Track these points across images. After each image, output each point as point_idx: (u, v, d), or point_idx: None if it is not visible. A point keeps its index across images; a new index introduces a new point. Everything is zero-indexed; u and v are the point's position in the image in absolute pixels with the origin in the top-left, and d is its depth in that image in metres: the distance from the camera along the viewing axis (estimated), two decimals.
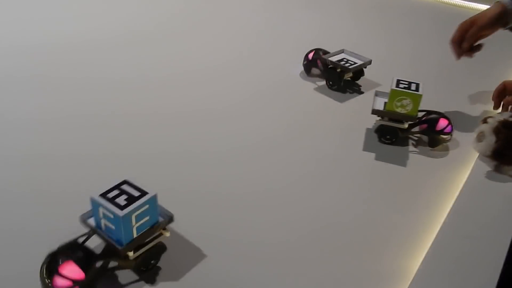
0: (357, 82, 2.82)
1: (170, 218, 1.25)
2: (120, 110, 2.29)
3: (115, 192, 1.17)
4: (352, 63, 2.74)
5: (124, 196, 1.18)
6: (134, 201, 1.17)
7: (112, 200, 1.16)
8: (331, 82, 2.80)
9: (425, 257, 1.35)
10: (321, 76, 2.81)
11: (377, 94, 2.29)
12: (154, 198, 1.22)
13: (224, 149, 2.11)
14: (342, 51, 2.87)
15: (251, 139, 2.17)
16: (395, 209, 1.81)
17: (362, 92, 2.63)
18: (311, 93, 2.57)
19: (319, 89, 2.60)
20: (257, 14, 3.09)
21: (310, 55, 2.82)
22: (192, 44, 2.72)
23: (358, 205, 1.84)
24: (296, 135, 2.22)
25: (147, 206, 1.17)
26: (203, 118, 2.27)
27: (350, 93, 2.67)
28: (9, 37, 2.73)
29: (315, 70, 2.78)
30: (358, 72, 2.86)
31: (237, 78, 2.51)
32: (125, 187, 1.22)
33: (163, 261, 1.22)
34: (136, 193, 1.16)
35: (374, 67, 2.76)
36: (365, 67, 2.78)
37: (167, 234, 1.24)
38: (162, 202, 1.19)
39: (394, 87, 2.26)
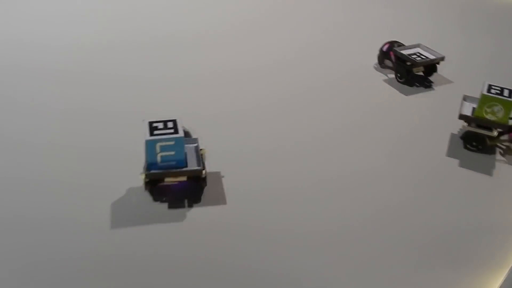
0: (429, 78, 2.75)
1: (202, 167, 1.61)
2: (201, 105, 2.27)
3: (161, 125, 1.44)
4: (424, 57, 2.67)
5: (163, 130, 1.42)
6: (164, 135, 1.40)
7: (152, 129, 1.45)
8: (399, 75, 2.74)
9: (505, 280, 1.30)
10: (393, 68, 2.74)
11: (465, 98, 2.24)
12: (181, 139, 1.45)
13: (297, 141, 2.10)
14: (417, 46, 2.80)
15: (323, 129, 2.15)
16: (481, 225, 1.74)
17: (432, 89, 2.57)
18: (380, 84, 2.52)
19: (388, 81, 2.55)
20: (338, 6, 3.04)
21: (385, 47, 2.75)
22: (272, 36, 2.77)
23: (440, 212, 1.79)
24: (364, 126, 2.19)
25: (172, 142, 1.39)
26: (283, 108, 2.26)
27: (417, 86, 2.61)
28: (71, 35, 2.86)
29: (388, 62, 2.71)
30: (430, 68, 2.81)
31: (314, 67, 2.56)
32: (170, 124, 1.45)
33: None
34: (171, 130, 1.41)
35: (449, 64, 2.67)
36: (438, 63, 2.72)
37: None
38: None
39: (485, 92, 2.20)
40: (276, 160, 2.21)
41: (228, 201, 1.78)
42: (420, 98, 2.74)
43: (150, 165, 1.64)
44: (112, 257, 1.47)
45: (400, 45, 3.00)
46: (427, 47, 2.84)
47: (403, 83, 2.88)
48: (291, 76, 2.74)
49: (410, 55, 2.88)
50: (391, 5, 3.43)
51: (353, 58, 2.96)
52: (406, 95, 2.67)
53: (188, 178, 1.75)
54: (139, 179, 1.70)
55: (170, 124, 1.54)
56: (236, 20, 3.10)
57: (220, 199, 1.77)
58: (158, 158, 1.56)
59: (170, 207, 1.72)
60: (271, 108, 2.55)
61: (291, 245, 1.59)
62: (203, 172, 1.75)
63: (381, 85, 2.77)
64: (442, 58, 2.90)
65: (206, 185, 1.82)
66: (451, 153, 2.27)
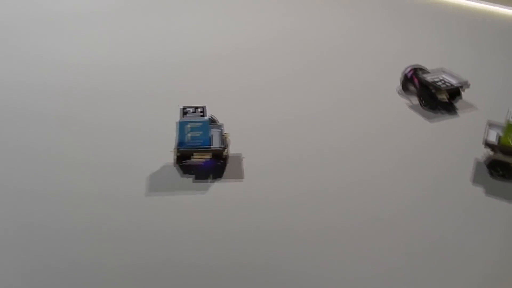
0: (453, 103, 2.74)
1: (224, 147, 2.00)
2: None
3: (192, 109, 1.85)
4: (448, 83, 2.67)
5: (193, 114, 1.86)
6: (194, 118, 1.83)
7: (184, 113, 1.89)
8: (423, 101, 2.74)
9: None
10: (416, 93, 2.74)
11: (490, 125, 2.22)
12: (206, 122, 1.84)
13: (316, 151, 2.12)
14: (441, 70, 2.80)
15: (341, 148, 2.15)
16: (507, 255, 1.71)
17: (457, 114, 2.56)
18: (404, 109, 2.51)
19: (412, 106, 2.54)
20: (362, 31, 3.08)
21: (408, 72, 2.75)
22: (294, 57, 2.79)
23: (468, 240, 1.75)
24: (386, 150, 2.18)
25: (200, 123, 1.78)
26: (300, 124, 2.29)
27: (441, 112, 2.60)
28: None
29: (412, 88, 2.71)
30: (455, 93, 2.79)
31: (336, 89, 2.51)
32: (199, 109, 1.86)
33: None
34: (200, 114, 1.84)
35: (474, 89, 2.64)
36: (462, 89, 2.71)
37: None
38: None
39: (510, 119, 2.18)
40: (296, 166, 2.25)
41: (245, 177, 1.95)
42: (445, 124, 2.72)
43: (180, 143, 1.90)
44: (147, 221, 1.68)
45: (424, 70, 2.99)
46: (451, 72, 2.81)
47: (427, 108, 2.86)
48: (310, 94, 2.76)
49: (433, 80, 2.87)
50: (410, 28, 3.44)
51: (375, 82, 2.95)
52: (430, 120, 2.65)
53: (212, 156, 1.96)
54: (170, 158, 1.94)
55: (199, 110, 1.80)
56: (251, 43, 3.12)
57: (238, 175, 1.97)
58: (188, 137, 1.84)
59: (195, 181, 1.93)
60: (294, 121, 2.56)
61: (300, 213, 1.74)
62: (225, 151, 1.98)
63: (405, 110, 2.75)
64: (467, 84, 2.88)
65: (227, 163, 2.03)
66: (476, 180, 2.23)
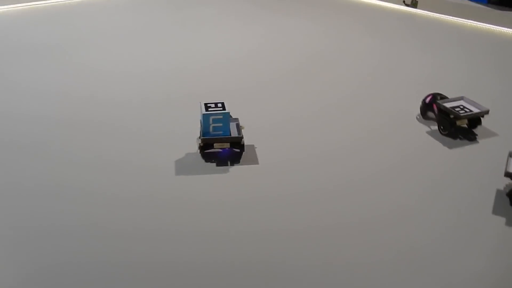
0: (473, 130, 2.72)
1: (241, 137, 2.14)
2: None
3: (213, 105, 1.99)
4: (468, 110, 2.66)
5: (214, 109, 2.00)
6: (216, 111, 1.94)
7: (206, 107, 2.01)
8: (442, 127, 2.73)
9: None
10: (435, 120, 2.74)
11: (511, 155, 2.20)
12: (227, 114, 1.97)
13: (337, 181, 2.13)
14: (461, 98, 2.80)
15: (362, 175, 2.15)
16: None
17: (477, 142, 2.54)
18: (423, 136, 2.50)
19: (431, 132, 2.53)
20: (381, 55, 3.10)
21: (428, 99, 2.76)
22: (316, 82, 2.83)
23: (489, 268, 1.71)
24: (405, 177, 2.17)
25: (221, 116, 1.93)
26: (327, 157, 2.30)
27: (461, 139, 2.58)
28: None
29: (431, 114, 2.71)
30: (474, 121, 2.78)
31: (356, 115, 2.54)
32: (219, 105, 1.96)
33: None
34: (220, 109, 1.93)
35: (494, 116, 2.61)
36: (482, 116, 2.69)
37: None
38: None
39: None
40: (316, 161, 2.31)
41: (260, 163, 2.30)
42: (464, 152, 2.69)
43: (204, 134, 2.18)
44: (174, 197, 1.80)
45: (443, 97, 2.99)
46: (471, 100, 2.80)
47: (446, 135, 2.85)
48: (334, 124, 2.79)
49: (453, 108, 2.86)
50: (431, 54, 3.44)
51: (394, 108, 2.95)
52: (450, 148, 2.64)
53: (230, 145, 2.28)
54: (195, 147, 2.10)
55: (219, 105, 2.10)
56: (276, 72, 3.15)
57: (254, 161, 2.12)
58: (211, 128, 2.10)
59: (217, 166, 2.07)
60: (318, 155, 2.59)
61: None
62: (242, 140, 2.26)
63: (424, 136, 2.75)
64: (487, 112, 2.86)
65: (244, 151, 2.33)
66: (497, 209, 2.20)
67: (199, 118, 2.41)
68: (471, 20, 3.72)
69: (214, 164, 2.39)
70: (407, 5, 3.78)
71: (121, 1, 3.82)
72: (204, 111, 2.09)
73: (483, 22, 3.84)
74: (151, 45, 3.16)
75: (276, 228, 2.00)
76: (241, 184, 2.26)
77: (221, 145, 2.28)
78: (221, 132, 2.19)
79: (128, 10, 3.63)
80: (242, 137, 2.28)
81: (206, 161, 2.35)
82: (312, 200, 2.18)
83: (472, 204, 2.23)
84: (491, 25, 3.78)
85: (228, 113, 2.09)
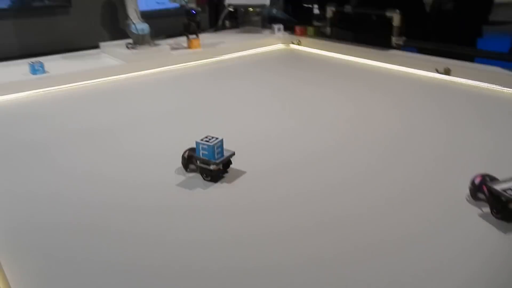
0: None
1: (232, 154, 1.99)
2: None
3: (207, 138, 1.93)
4: None
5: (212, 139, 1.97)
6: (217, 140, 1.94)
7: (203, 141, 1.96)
8: (495, 210, 2.54)
9: None
10: (487, 202, 2.57)
11: None
12: (211, 147, 1.91)
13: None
14: None
15: (416, 268, 1.96)
16: None
17: None
18: (475, 218, 2.31)
19: (483, 215, 2.34)
20: (427, 132, 3.03)
21: (477, 180, 2.61)
22: (360, 158, 2.71)
23: None
24: (455, 266, 1.97)
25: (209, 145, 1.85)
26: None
27: None
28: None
29: (482, 196, 2.55)
30: None
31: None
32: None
33: None
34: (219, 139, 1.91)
35: None
36: None
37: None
38: None
39: None
40: None
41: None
42: None
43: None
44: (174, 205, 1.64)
45: (493, 178, 2.78)
46: None
47: (500, 218, 2.61)
48: (374, 190, 2.53)
49: (505, 189, 2.63)
50: (479, 127, 3.17)
51: (443, 188, 2.65)
52: (504, 232, 2.37)
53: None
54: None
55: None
56: (321, 147, 2.90)
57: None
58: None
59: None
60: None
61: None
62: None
63: (476, 219, 2.49)
64: None
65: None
66: None
67: None
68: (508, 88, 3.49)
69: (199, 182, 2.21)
70: (440, 73, 3.70)
71: (163, 76, 3.85)
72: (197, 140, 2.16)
73: None
74: (196, 124, 3.06)
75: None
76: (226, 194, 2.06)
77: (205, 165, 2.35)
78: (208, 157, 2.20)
79: (170, 86, 3.61)
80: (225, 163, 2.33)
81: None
82: None
83: None
84: None
85: (213, 146, 2.12)
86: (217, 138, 1.80)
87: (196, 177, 2.49)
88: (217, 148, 1.81)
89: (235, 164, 2.23)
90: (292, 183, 2.34)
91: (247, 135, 2.82)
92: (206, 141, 1.82)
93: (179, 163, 2.49)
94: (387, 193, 2.36)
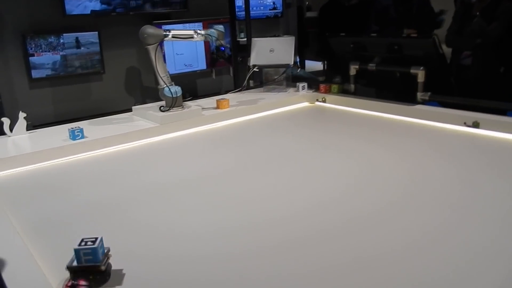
0: None
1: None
2: None
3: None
4: None
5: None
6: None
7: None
8: None
9: None
10: None
11: None
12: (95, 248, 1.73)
13: None
14: None
15: None
16: None
17: None
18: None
19: None
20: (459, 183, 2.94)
21: None
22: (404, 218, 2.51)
23: None
24: None
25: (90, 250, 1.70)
26: None
27: None
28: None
29: None
30: None
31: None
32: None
33: None
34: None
35: None
36: None
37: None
38: None
39: None
40: None
41: None
42: None
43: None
44: None
45: None
46: None
47: None
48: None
49: None
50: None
51: (476, 245, 2.36)
52: None
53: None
54: None
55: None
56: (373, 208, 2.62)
57: None
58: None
59: None
60: None
61: None
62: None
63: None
64: None
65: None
66: None
67: None
68: None
69: None
70: (468, 126, 3.67)
71: (196, 136, 3.81)
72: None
73: None
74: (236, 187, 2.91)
75: None
76: None
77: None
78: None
79: (210, 145, 3.56)
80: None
81: None
82: None
83: None
84: None
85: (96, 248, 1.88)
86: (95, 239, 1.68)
87: None
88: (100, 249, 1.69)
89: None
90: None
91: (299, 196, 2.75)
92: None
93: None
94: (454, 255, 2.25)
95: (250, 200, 2.54)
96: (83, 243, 1.70)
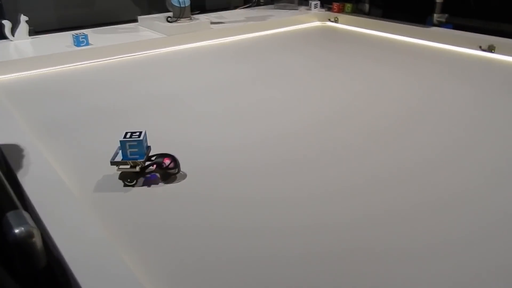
0: None
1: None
2: None
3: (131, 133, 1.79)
4: None
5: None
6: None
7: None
8: None
9: None
10: None
11: None
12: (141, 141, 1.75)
13: None
14: None
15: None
16: None
17: None
18: None
19: None
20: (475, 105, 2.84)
21: None
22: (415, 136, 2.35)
23: None
24: None
25: (135, 142, 1.70)
26: None
27: None
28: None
29: None
30: None
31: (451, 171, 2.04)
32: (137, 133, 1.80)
33: None
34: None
35: None
36: None
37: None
38: None
39: None
40: None
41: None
42: None
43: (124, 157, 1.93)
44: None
45: None
46: None
47: None
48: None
49: None
50: None
51: (492, 165, 2.21)
52: None
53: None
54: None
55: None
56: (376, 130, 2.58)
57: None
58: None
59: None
60: None
61: None
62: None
63: None
64: None
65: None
66: None
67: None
68: None
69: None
70: (483, 50, 3.61)
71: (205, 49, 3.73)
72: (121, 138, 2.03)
73: None
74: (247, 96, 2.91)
75: None
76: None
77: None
78: (137, 157, 2.07)
79: (225, 57, 3.51)
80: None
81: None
82: None
83: None
84: None
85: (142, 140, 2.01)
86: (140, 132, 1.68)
87: None
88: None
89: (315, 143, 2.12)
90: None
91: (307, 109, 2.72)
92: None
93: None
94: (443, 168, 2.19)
95: (256, 114, 2.53)
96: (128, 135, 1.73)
